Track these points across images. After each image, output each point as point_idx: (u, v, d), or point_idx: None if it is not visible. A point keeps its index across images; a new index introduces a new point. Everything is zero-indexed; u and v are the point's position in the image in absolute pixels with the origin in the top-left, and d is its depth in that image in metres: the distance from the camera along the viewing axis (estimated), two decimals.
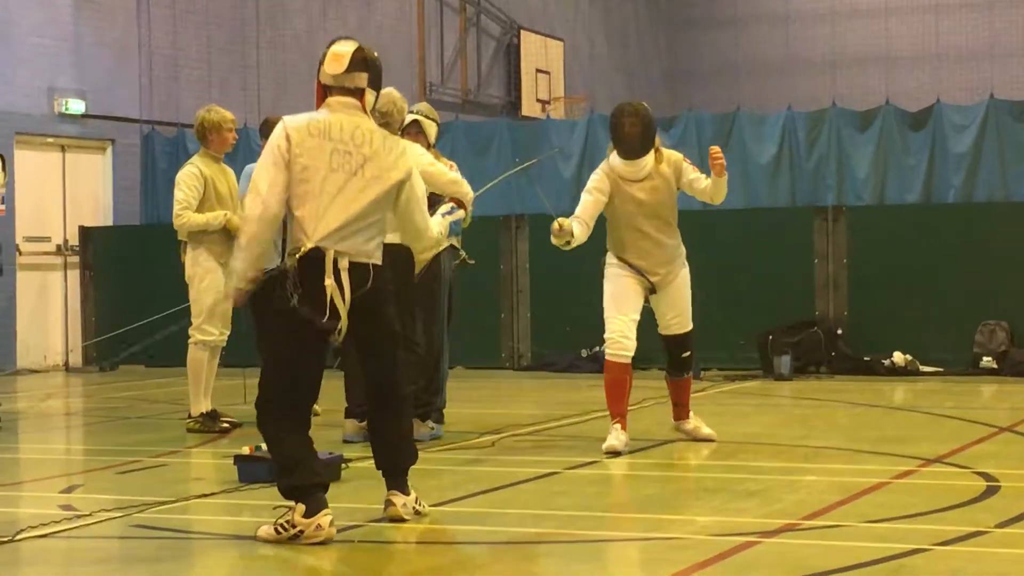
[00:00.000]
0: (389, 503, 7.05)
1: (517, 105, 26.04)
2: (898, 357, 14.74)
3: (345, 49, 6.88)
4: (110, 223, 18.51)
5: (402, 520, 7.00)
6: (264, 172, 6.70)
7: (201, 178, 10.77)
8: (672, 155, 9.57)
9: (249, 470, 8.28)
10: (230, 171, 11.13)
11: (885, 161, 16.77)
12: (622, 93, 29.60)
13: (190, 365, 10.83)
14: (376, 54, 7.03)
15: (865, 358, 14.86)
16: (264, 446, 8.44)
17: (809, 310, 15.22)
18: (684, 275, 9.64)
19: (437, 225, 7.58)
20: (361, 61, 6.86)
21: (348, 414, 10.20)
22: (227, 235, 10.76)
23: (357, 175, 6.72)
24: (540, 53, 26.72)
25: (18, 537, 6.79)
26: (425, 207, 7.18)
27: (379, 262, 6.79)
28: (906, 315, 14.94)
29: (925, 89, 24.75)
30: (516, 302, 16.21)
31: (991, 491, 7.71)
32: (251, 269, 6.78)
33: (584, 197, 9.48)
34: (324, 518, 6.59)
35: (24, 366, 17.17)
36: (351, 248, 6.67)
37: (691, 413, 9.97)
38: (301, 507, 6.61)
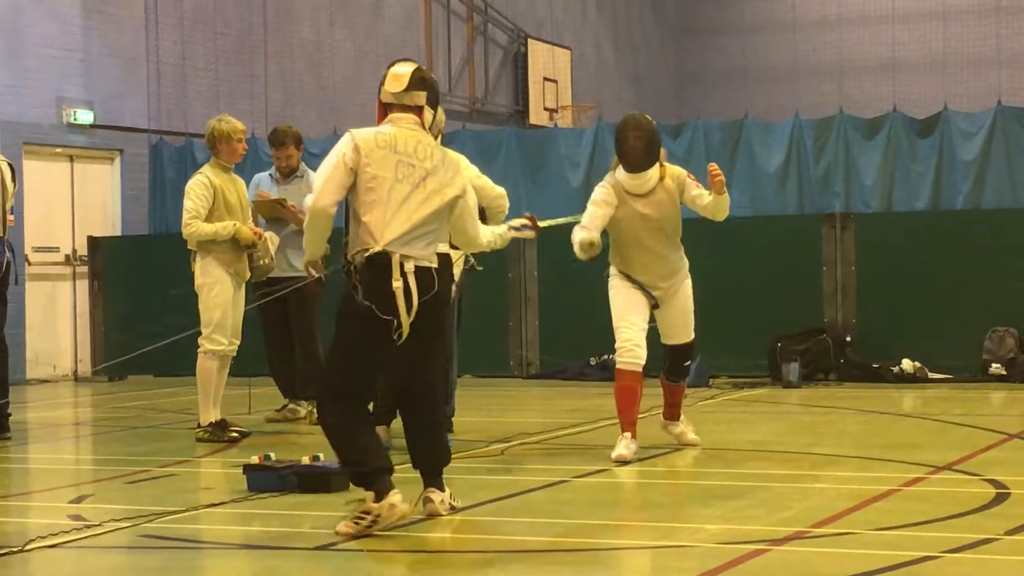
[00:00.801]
0: (427, 499, 7.39)
1: (524, 114, 26.08)
2: (907, 364, 14.72)
3: (404, 70, 7.38)
4: (119, 233, 18.54)
5: (439, 515, 7.35)
6: (322, 170, 7.18)
7: (210, 187, 10.79)
8: (675, 170, 9.59)
9: (258, 479, 8.28)
10: (240, 181, 11.14)
11: (893, 168, 16.77)
12: (630, 101, 29.64)
13: (199, 374, 10.83)
14: (433, 75, 7.53)
15: (874, 365, 14.84)
16: (273, 455, 8.52)
17: (817, 317, 15.21)
18: (686, 287, 9.68)
19: (490, 233, 7.97)
20: (420, 80, 7.36)
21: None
22: (236, 244, 10.78)
23: (419, 187, 7.17)
24: (547, 61, 26.74)
25: (28, 547, 6.79)
26: (476, 217, 7.66)
27: (436, 265, 7.20)
28: (915, 322, 14.92)
29: (932, 96, 24.75)
30: (524, 310, 16.21)
31: (1000, 498, 7.70)
32: (313, 248, 7.36)
33: (591, 209, 9.47)
34: (395, 497, 6.90)
35: (34, 376, 17.20)
36: (414, 252, 7.09)
37: (682, 417, 10.06)
38: (370, 495, 6.94)
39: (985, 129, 16.41)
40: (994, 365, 14.50)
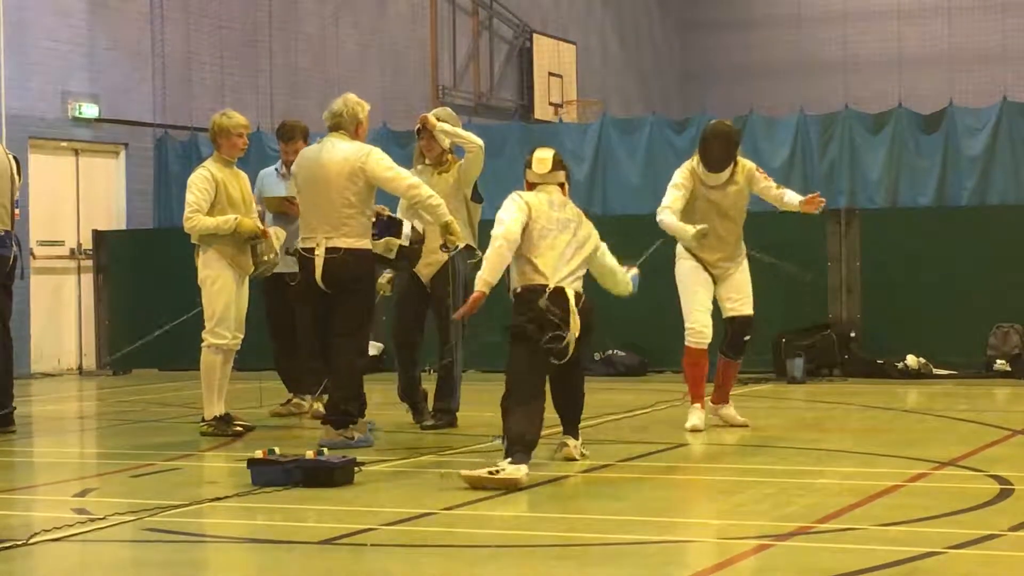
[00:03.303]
0: (563, 445, 9.18)
1: (530, 108, 26.06)
2: (911, 360, 14.72)
3: (547, 155, 9.10)
4: (123, 227, 18.54)
5: (574, 459, 9.00)
6: (510, 211, 8.76)
7: (212, 181, 10.76)
8: (746, 165, 10.70)
9: (262, 473, 8.29)
10: (243, 175, 11.12)
11: (898, 164, 16.74)
12: (635, 96, 29.64)
13: (203, 368, 10.82)
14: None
15: (878, 361, 14.84)
16: (277, 449, 8.55)
17: (822, 313, 15.20)
18: (744, 266, 10.78)
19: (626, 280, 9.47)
20: (559, 163, 9.12)
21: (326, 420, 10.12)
22: (239, 238, 10.75)
23: (575, 236, 8.91)
24: (553, 56, 26.72)
25: (32, 540, 6.80)
26: (607, 250, 9.18)
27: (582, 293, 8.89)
28: (919, 318, 14.91)
29: (938, 91, 24.70)
30: None
31: (1005, 494, 7.70)
32: (492, 278, 8.74)
33: (672, 192, 10.55)
34: (522, 468, 8.20)
35: (38, 370, 17.21)
36: (575, 287, 8.81)
37: (729, 398, 10.96)
38: (508, 459, 8.29)
39: (990, 125, 16.39)
40: (999, 361, 14.51)
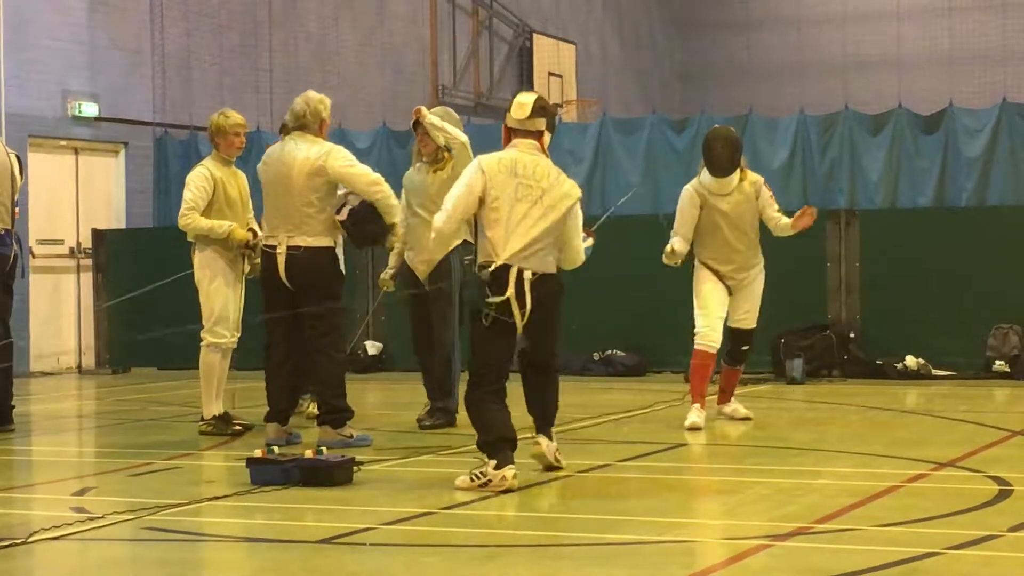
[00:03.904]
0: (536, 443, 8.53)
1: None
2: (910, 361, 14.71)
3: (528, 99, 8.42)
4: (123, 226, 18.54)
5: (544, 459, 8.46)
6: (455, 193, 8.22)
7: (211, 180, 10.75)
8: (754, 176, 10.96)
9: (261, 472, 8.29)
10: (242, 175, 11.11)
11: (898, 164, 16.76)
12: (634, 96, 29.64)
13: (202, 368, 10.82)
14: (551, 103, 8.58)
15: (877, 361, 14.82)
16: (276, 448, 8.54)
17: (821, 313, 15.19)
18: (760, 280, 11.01)
19: (580, 252, 8.64)
20: (540, 109, 8.39)
21: (270, 417, 10.12)
22: (230, 244, 10.68)
23: (537, 204, 8.20)
24: (553, 56, 26.73)
25: (31, 539, 6.80)
26: (580, 230, 8.48)
27: (555, 271, 8.32)
28: (919, 319, 14.90)
29: (937, 92, 24.71)
30: None
31: (1003, 495, 7.70)
32: (435, 258, 8.82)
33: (677, 216, 10.86)
34: (509, 471, 7.96)
35: (37, 368, 17.20)
36: (533, 264, 8.15)
37: (732, 398, 11.31)
38: (492, 462, 7.98)
39: (990, 126, 16.40)
40: (998, 362, 14.49)
